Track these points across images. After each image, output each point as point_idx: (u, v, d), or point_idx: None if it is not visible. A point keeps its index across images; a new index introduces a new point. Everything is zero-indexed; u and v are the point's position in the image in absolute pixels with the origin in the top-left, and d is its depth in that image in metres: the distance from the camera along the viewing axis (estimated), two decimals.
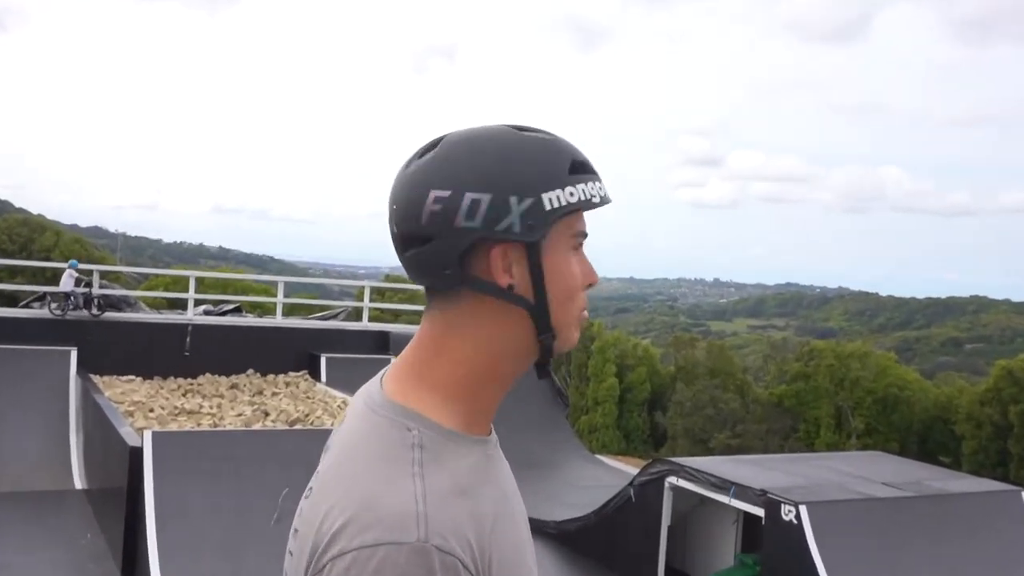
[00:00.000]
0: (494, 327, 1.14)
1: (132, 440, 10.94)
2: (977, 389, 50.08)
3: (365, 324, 20.41)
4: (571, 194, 1.13)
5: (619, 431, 54.53)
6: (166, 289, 31.79)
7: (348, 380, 15.66)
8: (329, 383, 17.11)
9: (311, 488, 1.15)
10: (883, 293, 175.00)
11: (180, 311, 20.09)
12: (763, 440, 48.10)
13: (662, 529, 13.02)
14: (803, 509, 10.79)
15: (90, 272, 18.33)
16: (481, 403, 1.17)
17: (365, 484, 1.05)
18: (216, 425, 13.68)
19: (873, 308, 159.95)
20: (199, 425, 13.60)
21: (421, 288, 1.20)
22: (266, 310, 22.22)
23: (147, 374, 16.90)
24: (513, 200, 1.10)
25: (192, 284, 19.43)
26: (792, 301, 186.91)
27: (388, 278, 44.98)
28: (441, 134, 1.17)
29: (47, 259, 39.26)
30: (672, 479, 12.94)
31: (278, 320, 19.85)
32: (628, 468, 19.16)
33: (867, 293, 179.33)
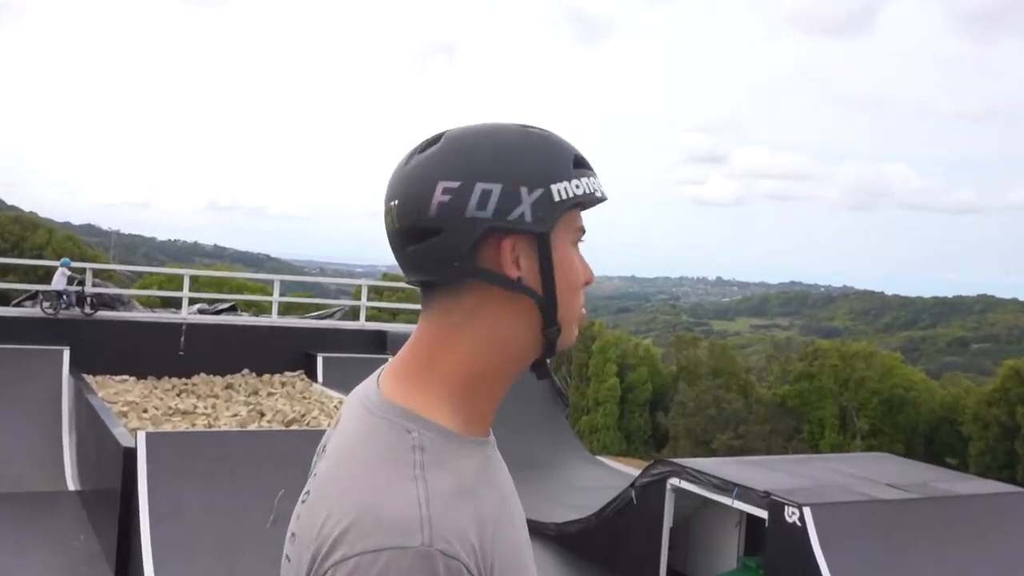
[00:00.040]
0: (499, 322, 1.14)
1: (126, 441, 10.95)
2: (984, 389, 50.06)
3: (362, 323, 20.41)
4: (576, 186, 1.15)
5: (620, 432, 54.54)
6: (160, 288, 31.78)
7: (345, 380, 15.63)
8: (326, 383, 17.12)
9: (308, 492, 1.14)
10: (888, 292, 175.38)
11: (174, 310, 20.08)
12: (766, 441, 48.12)
13: (664, 531, 13.03)
14: (807, 511, 10.79)
15: (83, 270, 18.33)
16: (481, 403, 1.17)
17: (365, 488, 1.05)
18: (211, 426, 13.67)
19: (878, 307, 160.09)
20: (193, 426, 13.60)
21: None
22: (262, 309, 22.20)
23: (141, 374, 16.89)
24: (523, 191, 1.11)
25: (186, 282, 19.40)
26: (796, 300, 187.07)
27: (386, 276, 44.95)
28: (441, 131, 1.18)
29: (39, 257, 39.22)
30: (674, 481, 12.95)
31: (274, 319, 19.83)
32: (629, 469, 19.18)
33: (872, 292, 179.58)
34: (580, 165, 1.17)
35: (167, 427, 13.22)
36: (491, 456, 1.18)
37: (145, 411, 14.12)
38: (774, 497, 11.30)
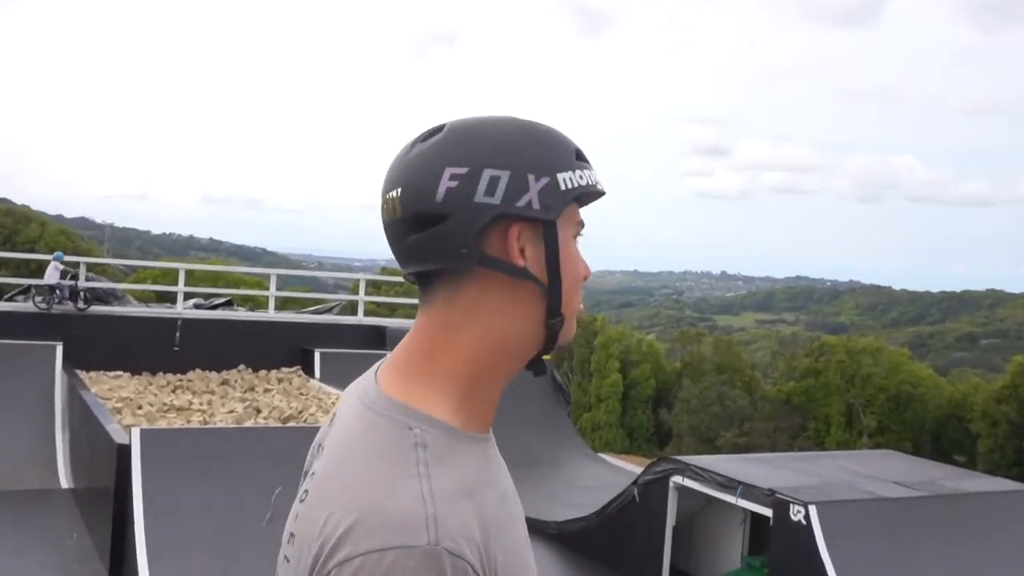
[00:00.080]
0: (503, 312, 1.14)
1: (120, 438, 10.96)
2: (993, 386, 50.05)
3: (360, 318, 20.43)
4: (580, 177, 1.17)
5: (623, 429, 54.57)
6: (155, 282, 31.82)
7: (343, 376, 15.59)
8: (323, 379, 17.13)
9: (306, 491, 1.13)
10: (896, 286, 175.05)
11: (169, 305, 20.09)
12: (771, 438, 48.12)
13: (667, 530, 13.05)
14: (812, 509, 10.80)
15: (76, 264, 18.34)
16: (483, 399, 1.17)
17: (368, 486, 1.04)
18: (206, 422, 13.69)
19: (886, 302, 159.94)
20: (189, 422, 13.62)
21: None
22: (258, 304, 22.16)
23: (135, 370, 16.91)
24: (531, 178, 1.12)
25: (182, 277, 19.41)
26: (802, 295, 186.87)
27: (384, 271, 44.94)
28: (442, 122, 1.18)
29: (32, 251, 39.22)
30: (677, 478, 12.96)
31: (270, 314, 19.85)
32: (632, 467, 19.20)
33: (879, 286, 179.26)
34: (581, 158, 1.19)
35: (162, 424, 13.24)
36: (491, 454, 1.19)
37: (139, 408, 14.14)
38: (779, 495, 11.31)
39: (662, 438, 55.09)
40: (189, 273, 21.35)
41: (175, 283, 19.67)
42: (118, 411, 13.69)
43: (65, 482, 13.98)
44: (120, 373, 16.65)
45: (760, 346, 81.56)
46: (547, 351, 1.19)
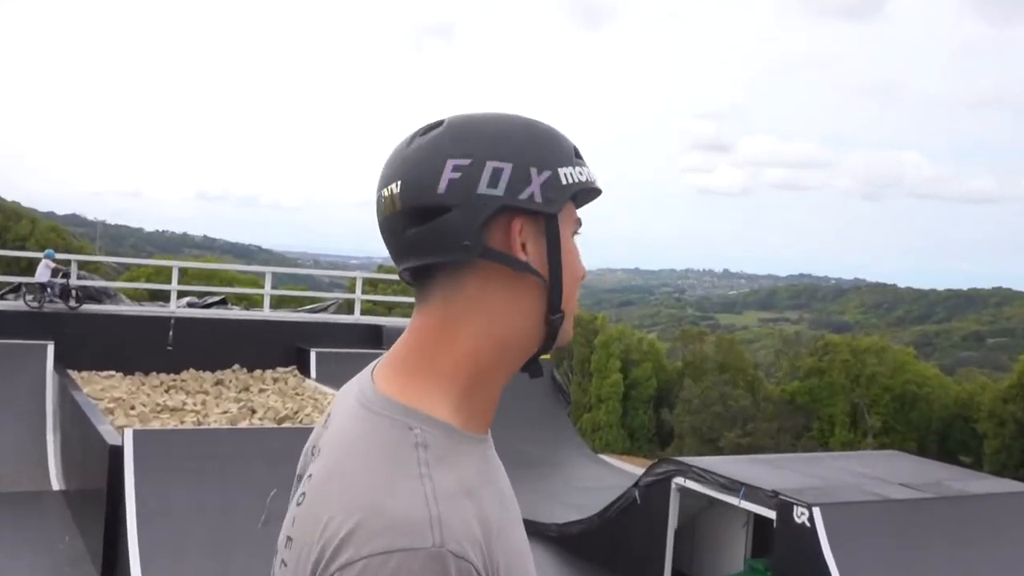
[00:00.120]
0: (504, 308, 1.14)
1: (112, 439, 10.95)
2: (1000, 385, 50.03)
3: (357, 317, 20.43)
4: (580, 173, 1.18)
5: (623, 429, 54.55)
6: (148, 280, 31.76)
7: (339, 376, 15.57)
8: (319, 379, 17.12)
9: (303, 494, 1.12)
10: (901, 284, 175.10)
11: (162, 303, 20.10)
12: (775, 439, 48.12)
13: (668, 532, 13.05)
14: (816, 511, 10.81)
15: (68, 262, 18.34)
16: (483, 398, 1.17)
17: (369, 487, 1.04)
18: (200, 423, 13.69)
19: (891, 300, 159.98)
20: (182, 423, 13.61)
21: None
22: (253, 302, 22.18)
23: (128, 369, 16.90)
24: (533, 171, 1.13)
25: (175, 275, 19.41)
26: (805, 293, 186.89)
27: (381, 268, 44.94)
28: (440, 118, 1.19)
29: (22, 248, 39.16)
30: (679, 480, 12.96)
31: (265, 313, 19.84)
32: (633, 468, 19.21)
33: (884, 284, 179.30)
34: (578, 156, 1.20)
35: (155, 425, 13.23)
36: (489, 455, 1.19)
37: (132, 408, 14.14)
38: (782, 497, 11.31)
39: (663, 439, 55.08)
40: (183, 271, 21.35)
41: (168, 281, 19.66)
42: (110, 412, 13.69)
43: (56, 484, 13.98)
44: (112, 373, 16.64)
45: (763, 345, 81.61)
46: (545, 350, 1.19)
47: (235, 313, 20.20)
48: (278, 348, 18.23)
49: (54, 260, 17.64)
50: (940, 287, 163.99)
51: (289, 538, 1.12)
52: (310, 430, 1.29)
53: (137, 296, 21.73)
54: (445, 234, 1.11)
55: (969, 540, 11.55)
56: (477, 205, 1.10)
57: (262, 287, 20.68)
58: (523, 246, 1.13)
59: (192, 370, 17.36)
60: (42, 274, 17.23)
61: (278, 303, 22.77)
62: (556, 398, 19.48)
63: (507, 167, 1.12)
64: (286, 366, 18.08)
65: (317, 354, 17.85)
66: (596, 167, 1.23)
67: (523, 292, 1.15)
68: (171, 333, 17.53)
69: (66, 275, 17.72)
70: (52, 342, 16.11)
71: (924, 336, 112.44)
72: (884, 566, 10.86)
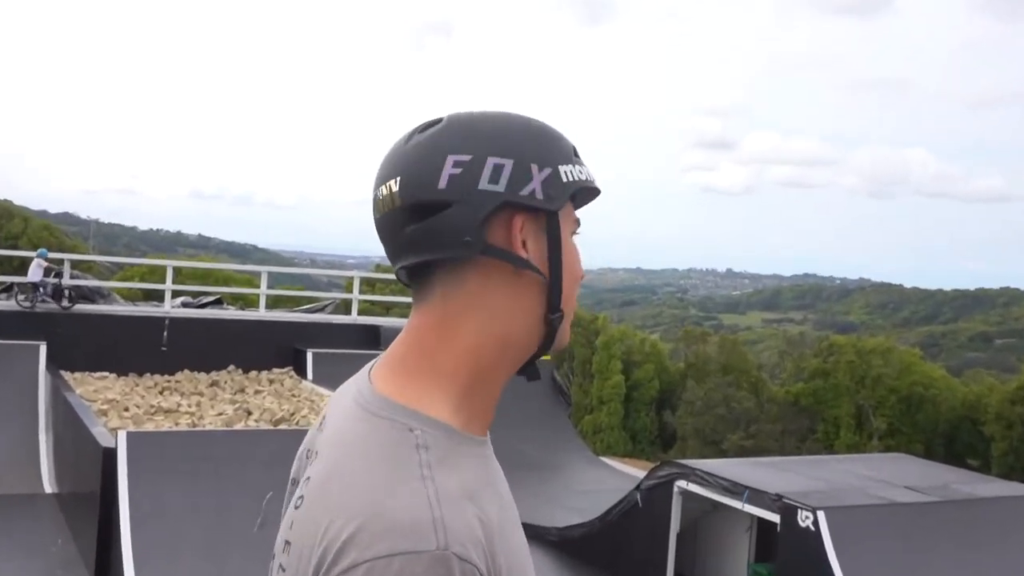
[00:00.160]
0: (504, 306, 1.15)
1: (105, 441, 10.95)
2: (1008, 387, 50.02)
3: (354, 317, 20.41)
4: (580, 172, 1.19)
5: (625, 432, 54.56)
6: (142, 280, 31.73)
7: (336, 377, 15.57)
8: (316, 380, 17.11)
9: (302, 497, 1.12)
10: (907, 284, 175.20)
11: (157, 303, 20.10)
12: (779, 441, 48.14)
13: (671, 536, 13.04)
14: (821, 515, 10.81)
15: (60, 261, 18.35)
16: (483, 398, 1.17)
17: (370, 489, 1.04)
18: (195, 425, 13.69)
19: (896, 300, 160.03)
20: (177, 425, 13.61)
21: None
22: (248, 302, 22.18)
23: (121, 370, 16.89)
24: (534, 167, 1.14)
25: (169, 274, 19.40)
26: (810, 293, 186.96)
27: (379, 268, 44.97)
28: (439, 116, 1.20)
29: (14, 247, 39.18)
30: (681, 483, 12.96)
31: (261, 313, 19.84)
32: (635, 471, 19.24)
33: (890, 284, 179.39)
34: (577, 155, 1.21)
35: (149, 426, 13.23)
36: (489, 457, 1.19)
37: (126, 409, 14.13)
38: (787, 500, 11.31)
39: (666, 441, 55.10)
40: (177, 270, 21.34)
41: (162, 281, 19.66)
42: (104, 413, 13.68)
43: (49, 486, 13.98)
44: (106, 374, 16.64)
45: (767, 346, 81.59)
46: (543, 351, 1.20)
47: (230, 313, 20.19)
48: (274, 349, 18.22)
49: (46, 259, 17.63)
50: (947, 287, 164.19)
51: (287, 542, 1.12)
52: (306, 432, 1.29)
53: (131, 296, 21.76)
54: (445, 230, 1.11)
55: (977, 544, 11.55)
56: (478, 201, 1.11)
57: (258, 287, 20.67)
58: (524, 243, 1.14)
59: (187, 371, 17.36)
60: (34, 273, 17.23)
61: (274, 303, 22.74)
62: (557, 400, 19.48)
63: (508, 163, 1.12)
64: (282, 367, 18.07)
65: (314, 355, 17.85)
66: (597, 165, 1.24)
67: (523, 290, 1.15)
68: (165, 334, 17.52)
69: (59, 274, 17.72)
70: (44, 342, 16.11)
71: (931, 337, 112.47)
72: (890, 570, 10.85)
